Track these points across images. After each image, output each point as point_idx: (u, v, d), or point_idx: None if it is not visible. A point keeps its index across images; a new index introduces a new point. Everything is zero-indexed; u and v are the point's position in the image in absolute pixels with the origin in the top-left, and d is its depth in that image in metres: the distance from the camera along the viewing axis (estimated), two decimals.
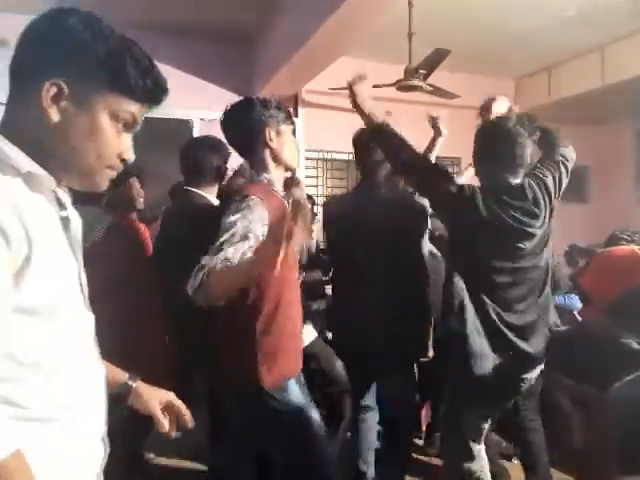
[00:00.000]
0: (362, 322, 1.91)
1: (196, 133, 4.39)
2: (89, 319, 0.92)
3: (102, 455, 0.91)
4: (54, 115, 0.80)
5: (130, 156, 0.90)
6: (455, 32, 4.23)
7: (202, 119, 4.36)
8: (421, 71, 3.28)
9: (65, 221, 0.88)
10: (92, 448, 0.89)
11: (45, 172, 0.82)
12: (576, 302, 2.19)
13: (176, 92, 3.96)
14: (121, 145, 0.88)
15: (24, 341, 0.76)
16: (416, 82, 3.36)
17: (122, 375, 1.07)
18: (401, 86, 3.52)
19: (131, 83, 0.85)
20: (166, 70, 3.86)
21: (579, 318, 2.12)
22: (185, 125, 4.45)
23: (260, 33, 4.35)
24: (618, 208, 6.27)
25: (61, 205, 0.88)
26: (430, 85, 3.47)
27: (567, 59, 5.00)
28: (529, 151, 1.76)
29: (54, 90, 0.80)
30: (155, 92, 0.89)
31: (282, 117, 1.58)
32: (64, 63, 0.81)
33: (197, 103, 4.31)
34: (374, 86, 3.96)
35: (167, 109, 4.10)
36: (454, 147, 3.18)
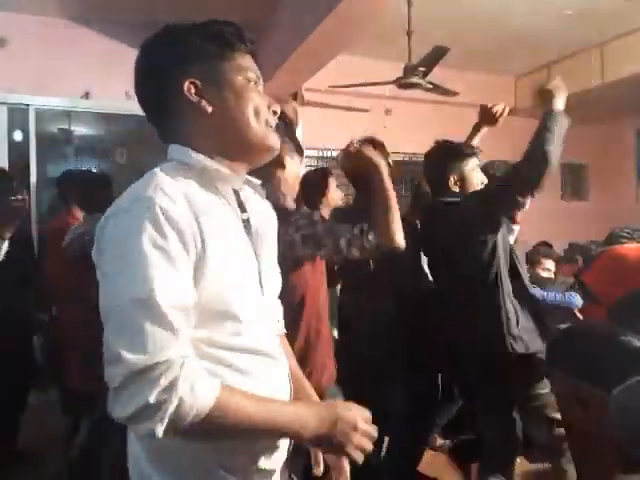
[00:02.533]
0: None
1: None
2: (270, 321, 0.96)
3: None
4: (207, 107, 0.87)
5: (277, 106, 0.94)
6: (455, 30, 4.23)
7: None
8: (420, 69, 3.27)
9: (246, 223, 0.91)
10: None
11: (229, 170, 0.89)
12: (577, 300, 2.19)
13: None
14: (265, 98, 0.92)
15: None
16: (415, 80, 3.35)
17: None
18: (401, 84, 3.52)
19: (232, 40, 0.90)
20: None
21: (580, 316, 2.12)
22: None
23: (259, 31, 4.34)
24: (618, 206, 6.28)
25: (242, 208, 0.92)
26: (429, 83, 3.46)
27: (567, 57, 5.00)
28: None
29: (192, 87, 0.87)
30: (244, 35, 0.93)
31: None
32: (183, 65, 0.88)
33: None
34: (373, 84, 3.99)
35: None
36: None
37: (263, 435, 0.83)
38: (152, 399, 0.69)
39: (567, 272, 3.63)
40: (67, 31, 4.06)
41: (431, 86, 3.46)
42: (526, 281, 1.88)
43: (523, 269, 1.89)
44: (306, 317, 1.46)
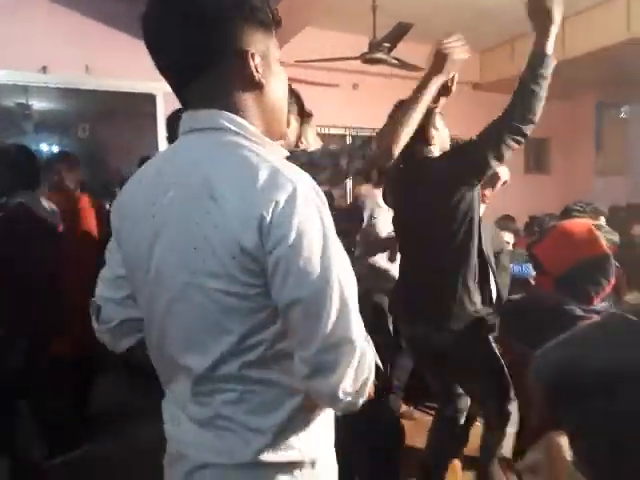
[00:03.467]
0: None
1: (160, 107, 4.32)
2: None
3: None
4: (262, 82, 0.83)
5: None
6: (420, 6, 4.25)
7: (166, 93, 4.27)
8: (385, 44, 3.29)
9: None
10: None
11: (279, 146, 0.88)
12: (531, 271, 2.31)
13: (138, 65, 3.90)
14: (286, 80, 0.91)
15: None
16: (380, 55, 3.37)
17: None
18: (366, 59, 3.53)
19: (276, 16, 0.85)
20: (127, 39, 3.83)
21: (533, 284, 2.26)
22: (150, 98, 4.36)
23: None
24: (578, 178, 6.49)
25: None
26: (394, 58, 3.48)
27: (529, 32, 5.06)
28: None
29: (254, 60, 0.81)
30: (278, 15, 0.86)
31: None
32: (251, 30, 0.81)
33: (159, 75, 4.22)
34: (339, 59, 3.98)
35: (131, 82, 4.04)
36: None
37: None
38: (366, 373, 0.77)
39: (526, 244, 3.78)
40: (23, 2, 3.89)
41: (396, 62, 3.48)
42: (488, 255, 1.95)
43: (487, 244, 1.94)
44: None
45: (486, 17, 4.61)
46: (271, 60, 0.85)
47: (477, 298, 1.81)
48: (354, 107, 5.09)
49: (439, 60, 1.47)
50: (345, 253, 0.77)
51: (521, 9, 4.67)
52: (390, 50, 3.41)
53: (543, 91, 1.62)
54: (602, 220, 2.54)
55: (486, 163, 1.72)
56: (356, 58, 3.61)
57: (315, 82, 4.58)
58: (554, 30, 1.56)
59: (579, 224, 1.64)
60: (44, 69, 3.95)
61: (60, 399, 2.55)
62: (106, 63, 4.10)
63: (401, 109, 1.46)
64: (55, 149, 8.08)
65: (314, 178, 1.27)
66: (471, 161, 1.76)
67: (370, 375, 0.78)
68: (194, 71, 0.81)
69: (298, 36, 3.88)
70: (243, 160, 0.76)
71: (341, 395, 0.75)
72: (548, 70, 1.60)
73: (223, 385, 0.79)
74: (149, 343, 0.89)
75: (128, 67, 4.19)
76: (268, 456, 0.79)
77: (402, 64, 3.61)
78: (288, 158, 0.95)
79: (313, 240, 0.72)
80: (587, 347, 0.74)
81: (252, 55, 0.80)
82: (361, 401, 0.78)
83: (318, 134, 4.18)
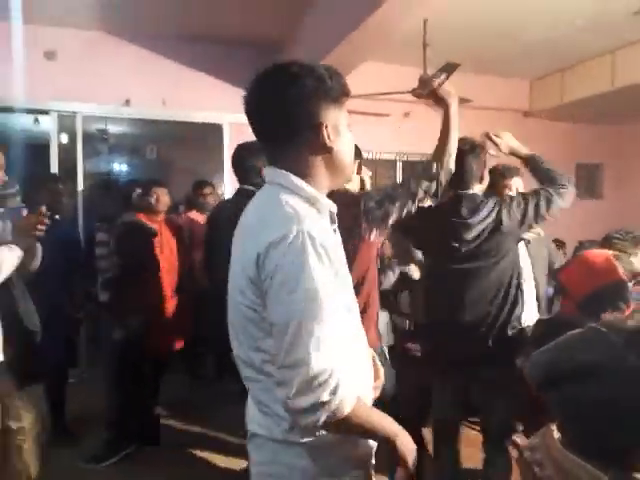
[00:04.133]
0: None
1: (226, 136, 4.73)
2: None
3: None
4: (331, 148, 1.06)
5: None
6: (471, 39, 4.47)
7: (231, 123, 4.67)
8: (435, 80, 3.52)
9: (335, 231, 1.13)
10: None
11: (327, 199, 1.09)
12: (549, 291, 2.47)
13: (208, 98, 4.40)
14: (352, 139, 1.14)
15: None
16: (436, 82, 3.59)
17: None
18: (416, 94, 3.78)
19: (345, 90, 1.08)
20: (199, 77, 4.40)
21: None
22: (218, 128, 4.78)
23: (288, 41, 4.63)
24: (632, 204, 6.42)
25: (333, 220, 1.13)
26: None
27: (579, 63, 5.17)
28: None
29: (327, 130, 1.04)
30: (348, 87, 1.09)
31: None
32: (325, 106, 1.04)
33: (228, 108, 4.63)
34: (391, 92, 4.24)
35: (199, 114, 4.51)
36: None
37: (371, 435, 1.06)
38: (324, 397, 0.91)
39: None
40: (107, 44, 4.42)
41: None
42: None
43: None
44: (367, 281, 1.75)
45: (535, 48, 4.75)
46: (340, 127, 1.07)
47: None
48: (404, 134, 5.33)
49: (439, 99, 1.96)
50: (332, 295, 0.94)
51: (569, 41, 4.85)
52: (441, 84, 3.63)
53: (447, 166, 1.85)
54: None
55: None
56: (408, 92, 3.86)
57: (368, 113, 4.88)
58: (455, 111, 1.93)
59: (598, 254, 1.82)
60: (127, 102, 4.45)
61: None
62: (180, 97, 4.57)
63: (442, 138, 1.86)
64: (125, 168, 8.81)
65: (391, 205, 1.58)
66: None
67: (334, 399, 0.91)
68: (279, 138, 1.07)
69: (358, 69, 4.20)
70: (272, 210, 1.00)
71: (290, 405, 0.92)
72: (454, 147, 1.87)
73: (255, 374, 1.05)
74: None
75: (199, 101, 4.65)
76: (294, 437, 1.02)
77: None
78: (364, 197, 1.30)
79: (287, 277, 0.92)
80: (566, 350, 0.97)
81: (326, 126, 1.04)
82: (319, 420, 0.92)
83: (371, 160, 4.44)
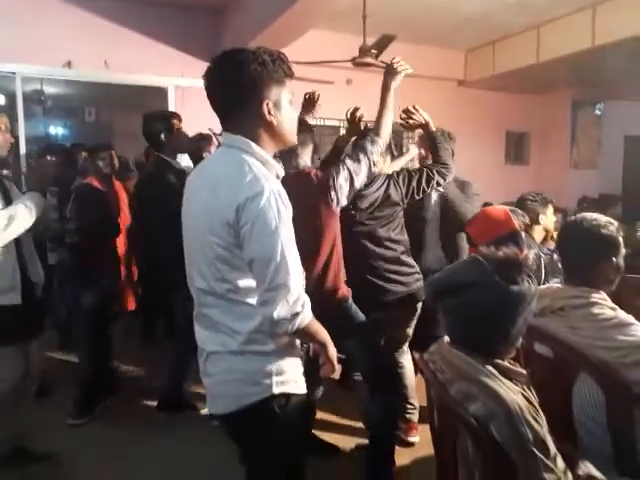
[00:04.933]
0: None
1: (171, 100, 4.78)
2: None
3: None
4: (273, 120, 1.30)
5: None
6: (410, 11, 4.70)
7: (177, 86, 4.71)
8: (373, 51, 3.74)
9: None
10: None
11: (274, 161, 1.34)
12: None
13: (153, 61, 4.47)
14: (296, 112, 1.41)
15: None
16: (369, 60, 3.82)
17: None
18: (356, 63, 3.99)
19: (287, 71, 1.31)
20: (142, 40, 4.48)
21: None
22: (161, 92, 4.81)
23: (233, 7, 4.67)
24: (554, 170, 6.99)
25: (278, 177, 1.38)
26: (382, 62, 3.93)
27: (508, 36, 5.52)
28: None
29: (268, 107, 1.28)
30: (291, 69, 1.33)
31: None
32: (267, 87, 1.28)
33: (172, 71, 4.67)
34: (333, 61, 4.42)
35: (144, 77, 4.55)
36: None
37: (317, 340, 1.36)
38: (298, 309, 1.23)
39: None
40: (49, 4, 4.32)
41: (384, 65, 3.93)
42: None
43: None
44: (337, 245, 2.10)
45: (469, 21, 5.04)
46: (282, 104, 1.32)
47: None
48: (347, 101, 5.53)
49: (393, 70, 2.27)
50: (292, 237, 1.25)
51: (500, 15, 5.18)
52: (377, 55, 3.86)
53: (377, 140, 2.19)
54: (550, 207, 3.02)
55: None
56: (347, 61, 4.07)
57: (313, 79, 5.03)
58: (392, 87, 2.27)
59: (497, 209, 2.15)
60: (69, 64, 4.39)
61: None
62: (124, 59, 4.55)
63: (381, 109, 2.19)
64: (62, 131, 8.55)
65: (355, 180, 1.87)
66: None
67: (303, 311, 1.24)
68: (231, 111, 1.32)
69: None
70: (240, 169, 1.26)
71: (276, 318, 1.22)
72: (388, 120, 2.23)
73: (215, 300, 1.32)
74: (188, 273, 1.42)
75: (143, 64, 4.65)
76: (247, 347, 1.30)
77: (389, 68, 4.06)
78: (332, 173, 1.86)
79: (266, 224, 1.20)
80: (450, 272, 1.32)
81: (267, 104, 1.29)
82: (292, 327, 1.23)
83: (315, 125, 4.71)
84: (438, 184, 2.40)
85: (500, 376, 1.23)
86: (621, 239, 1.66)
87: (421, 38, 5.54)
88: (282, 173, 1.40)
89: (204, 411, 2.98)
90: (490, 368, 1.24)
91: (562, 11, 4.80)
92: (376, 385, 2.23)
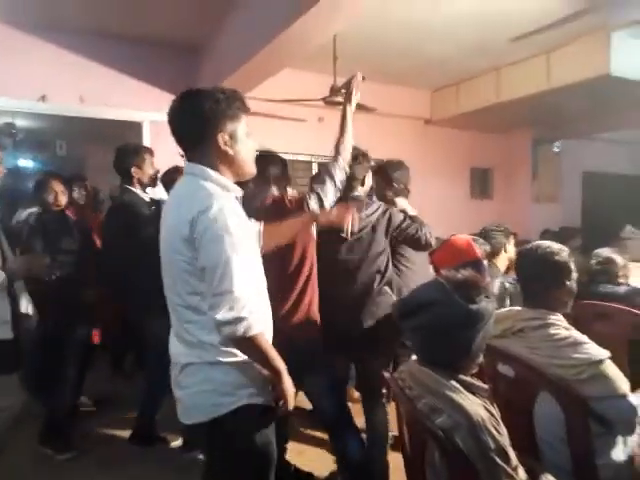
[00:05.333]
0: None
1: (146, 134, 4.85)
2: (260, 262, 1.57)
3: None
4: (230, 151, 1.46)
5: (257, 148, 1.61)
6: (377, 53, 4.95)
7: (152, 121, 4.80)
8: (343, 90, 3.91)
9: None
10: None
11: (234, 186, 1.49)
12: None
13: (128, 96, 4.57)
14: (254, 143, 1.56)
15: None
16: (340, 99, 3.99)
17: None
18: (327, 101, 4.16)
19: (242, 108, 1.48)
20: (117, 75, 4.58)
21: None
22: (136, 126, 4.88)
23: (209, 45, 4.83)
24: (517, 204, 7.28)
25: (240, 202, 1.54)
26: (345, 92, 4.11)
27: (471, 78, 5.84)
28: None
29: (223, 139, 1.44)
30: (247, 104, 1.51)
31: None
32: (221, 122, 1.44)
33: (147, 106, 4.75)
34: (305, 100, 4.60)
35: (119, 111, 4.61)
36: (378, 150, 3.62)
37: (267, 362, 1.40)
38: (243, 314, 1.32)
39: None
40: (25, 38, 4.39)
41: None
42: None
43: None
44: (307, 258, 2.13)
45: (433, 63, 5.33)
46: (238, 136, 1.47)
47: None
48: (319, 138, 5.72)
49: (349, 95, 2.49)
50: (244, 249, 1.36)
51: (461, 58, 5.47)
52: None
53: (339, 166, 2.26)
54: (511, 239, 3.17)
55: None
56: (319, 100, 4.24)
57: (286, 117, 5.22)
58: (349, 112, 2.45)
59: (461, 238, 2.28)
60: (43, 97, 4.44)
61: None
62: (99, 94, 4.63)
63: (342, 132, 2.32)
64: (32, 164, 8.49)
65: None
66: None
67: (248, 319, 1.32)
68: (191, 144, 1.50)
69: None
70: (196, 190, 1.42)
71: (219, 319, 1.31)
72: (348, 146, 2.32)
73: (194, 316, 1.41)
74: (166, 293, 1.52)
75: (119, 98, 4.74)
76: (222, 359, 1.38)
77: (357, 106, 4.24)
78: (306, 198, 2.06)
79: (213, 234, 1.33)
80: (415, 292, 1.41)
81: (222, 136, 1.45)
82: (236, 332, 1.31)
83: (289, 160, 4.78)
84: None
85: (464, 390, 1.31)
86: (572, 265, 1.79)
87: (389, 78, 5.81)
88: (240, 194, 1.53)
89: (175, 444, 2.96)
90: (454, 383, 1.32)
91: (519, 55, 5.13)
92: (336, 428, 2.20)
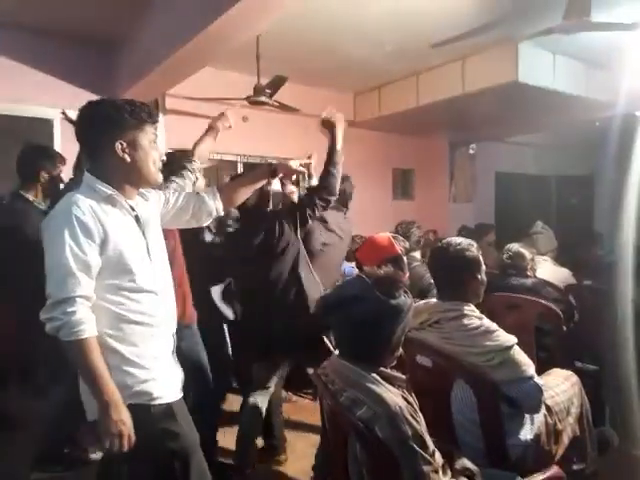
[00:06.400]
0: None
1: (57, 132, 4.58)
2: (155, 271, 1.57)
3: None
4: (127, 158, 1.50)
5: (164, 157, 1.64)
6: (299, 53, 4.98)
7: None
8: (267, 90, 3.93)
9: (136, 218, 1.57)
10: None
11: (117, 193, 1.50)
12: (354, 270, 3.06)
13: (39, 92, 4.31)
14: (158, 151, 1.58)
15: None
16: (263, 99, 4.00)
17: None
18: (251, 101, 4.15)
19: (146, 118, 1.52)
20: (30, 70, 4.30)
21: None
22: (47, 124, 4.60)
23: (128, 41, 4.64)
24: (436, 204, 7.62)
25: (133, 209, 1.56)
26: (275, 101, 4.14)
27: (392, 81, 6.02)
28: None
29: (121, 146, 1.48)
30: (153, 113, 1.55)
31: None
32: (118, 131, 1.48)
33: (58, 102, 4.49)
34: (229, 99, 4.55)
35: (28, 107, 4.33)
36: (296, 149, 3.65)
37: (88, 380, 1.38)
38: (56, 314, 1.35)
39: None
40: None
41: (277, 104, 4.14)
42: None
43: None
44: (175, 264, 2.11)
45: (354, 65, 5.43)
46: (139, 144, 1.51)
47: None
48: (244, 137, 5.68)
49: (329, 124, 2.40)
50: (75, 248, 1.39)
51: (381, 61, 5.61)
52: (272, 95, 4.05)
53: (338, 172, 2.38)
54: (416, 233, 3.35)
55: (305, 218, 2.41)
56: (243, 99, 4.21)
57: (210, 116, 5.11)
58: (340, 134, 2.42)
59: (382, 236, 2.38)
60: None
61: None
62: (9, 89, 4.33)
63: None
64: None
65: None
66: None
67: (63, 320, 1.34)
68: (94, 152, 1.54)
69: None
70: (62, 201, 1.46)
71: (41, 316, 1.36)
72: (340, 158, 2.39)
73: None
74: None
75: (29, 94, 4.45)
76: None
77: (282, 107, 4.28)
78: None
79: (50, 238, 1.39)
80: (337, 288, 1.45)
81: (121, 144, 1.49)
82: (51, 330, 1.35)
83: (215, 160, 4.72)
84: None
85: (383, 382, 1.36)
86: (481, 258, 1.91)
87: (313, 80, 5.87)
88: (126, 205, 1.54)
89: (94, 456, 2.83)
90: (375, 375, 1.37)
91: (437, 61, 5.36)
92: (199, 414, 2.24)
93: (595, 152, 6.81)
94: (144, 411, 1.45)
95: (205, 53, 3.93)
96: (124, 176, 1.52)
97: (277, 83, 3.85)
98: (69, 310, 1.33)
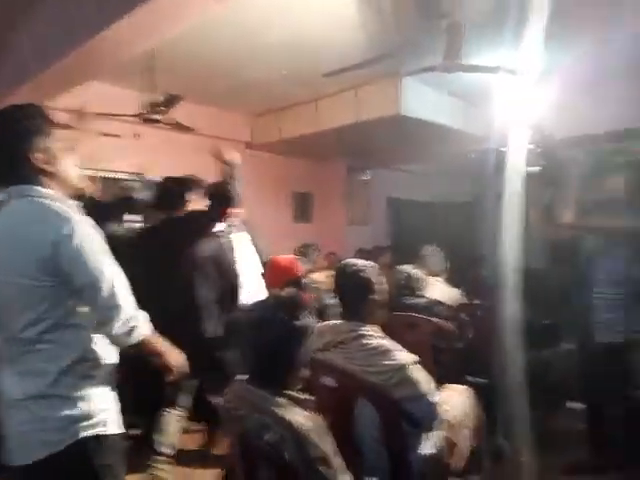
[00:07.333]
0: None
1: None
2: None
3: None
4: (48, 168, 1.43)
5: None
6: (195, 72, 4.90)
7: None
8: (161, 108, 3.79)
9: None
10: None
11: (68, 200, 1.45)
12: None
13: None
14: (75, 155, 1.53)
15: None
16: (157, 117, 3.85)
17: None
18: (144, 119, 3.98)
19: (50, 125, 1.45)
20: None
21: None
22: None
23: (8, 45, 4.26)
24: (334, 227, 7.81)
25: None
26: (170, 119, 4.00)
27: (291, 106, 6.11)
28: None
29: (39, 156, 1.41)
30: (50, 120, 1.47)
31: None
32: (30, 141, 1.41)
33: None
34: (120, 115, 4.32)
35: None
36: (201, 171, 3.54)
37: (157, 352, 1.49)
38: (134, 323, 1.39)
39: None
40: None
41: (172, 123, 4.01)
42: None
43: None
44: None
45: (255, 88, 5.45)
46: (52, 152, 1.44)
47: None
48: (136, 154, 5.42)
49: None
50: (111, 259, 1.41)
51: (280, 85, 5.65)
52: (165, 113, 3.91)
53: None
54: (315, 255, 3.41)
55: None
56: (135, 116, 4.03)
57: (100, 132, 4.81)
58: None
59: (284, 258, 2.40)
60: None
61: None
62: None
63: None
64: None
65: None
66: None
67: (138, 325, 1.41)
68: (12, 167, 1.43)
69: (83, 87, 4.12)
70: (41, 210, 1.37)
71: (114, 332, 1.37)
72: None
73: (33, 346, 1.34)
74: None
75: None
76: (52, 391, 1.33)
77: (176, 126, 4.15)
78: None
79: (86, 249, 1.34)
80: (244, 312, 1.41)
81: (35, 155, 1.42)
82: (130, 340, 1.40)
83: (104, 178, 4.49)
84: None
85: (289, 405, 1.33)
86: (378, 279, 1.97)
87: (210, 99, 5.79)
88: (79, 209, 1.48)
89: None
90: (280, 399, 1.34)
91: (332, 89, 5.54)
92: None
93: (473, 181, 7.42)
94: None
95: (91, 64, 3.71)
96: (54, 184, 1.46)
97: (171, 101, 3.74)
98: (139, 317, 1.43)
